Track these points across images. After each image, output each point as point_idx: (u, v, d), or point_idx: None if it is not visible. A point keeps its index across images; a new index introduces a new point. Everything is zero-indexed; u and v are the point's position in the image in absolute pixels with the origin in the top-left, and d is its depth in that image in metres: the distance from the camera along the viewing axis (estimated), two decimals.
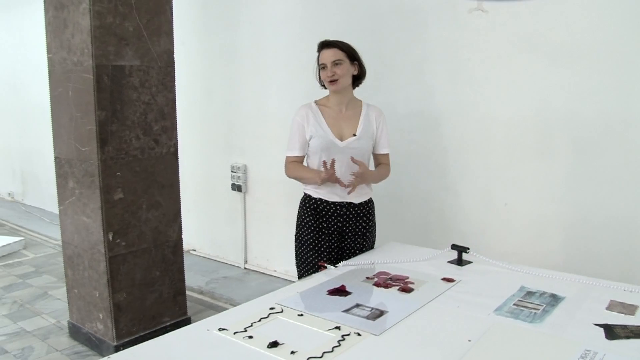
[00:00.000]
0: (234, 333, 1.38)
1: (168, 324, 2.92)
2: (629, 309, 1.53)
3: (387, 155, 2.36)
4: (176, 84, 2.89)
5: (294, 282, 1.88)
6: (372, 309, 1.55)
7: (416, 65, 3.00)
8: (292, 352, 1.28)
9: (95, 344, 2.79)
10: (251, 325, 1.43)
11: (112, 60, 2.55)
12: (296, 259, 2.34)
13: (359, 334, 1.38)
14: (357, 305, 1.58)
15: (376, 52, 3.06)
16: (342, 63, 2.19)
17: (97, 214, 2.61)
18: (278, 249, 3.90)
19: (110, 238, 2.62)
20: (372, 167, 2.37)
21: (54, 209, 5.20)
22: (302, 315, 1.51)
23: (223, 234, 4.33)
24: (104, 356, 2.20)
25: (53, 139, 2.85)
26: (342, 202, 2.24)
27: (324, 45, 2.22)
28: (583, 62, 2.45)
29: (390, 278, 1.83)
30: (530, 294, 1.67)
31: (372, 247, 2.37)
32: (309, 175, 2.21)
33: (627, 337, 1.35)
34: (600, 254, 2.49)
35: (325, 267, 1.99)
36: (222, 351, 1.31)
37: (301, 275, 2.30)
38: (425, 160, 3.03)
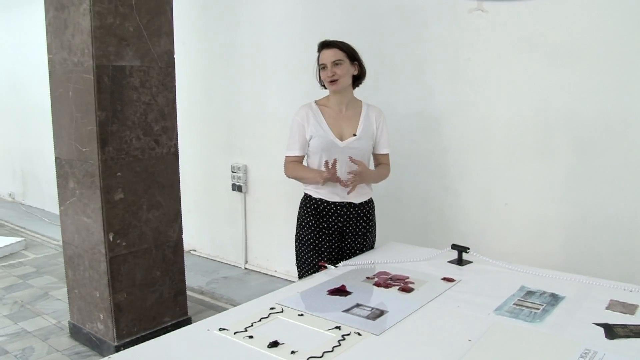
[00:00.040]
0: (235, 333, 1.39)
1: (169, 324, 2.92)
2: (628, 309, 1.53)
3: (387, 155, 2.36)
4: (176, 84, 2.90)
5: (295, 282, 1.88)
6: (373, 308, 1.55)
7: (416, 65, 3.00)
8: (293, 352, 1.28)
9: (96, 344, 2.79)
10: (251, 325, 1.43)
11: (112, 61, 2.56)
12: (296, 259, 2.34)
13: (359, 334, 1.38)
14: (358, 305, 1.58)
15: (376, 52, 3.06)
16: (342, 63, 2.19)
17: (97, 215, 2.61)
18: (278, 249, 3.90)
19: (111, 238, 2.63)
20: (372, 167, 2.38)
21: (55, 209, 5.21)
22: (302, 315, 1.51)
23: (223, 234, 4.33)
24: (104, 356, 2.20)
25: (53, 140, 2.85)
26: (343, 202, 2.24)
27: (324, 45, 2.23)
28: (583, 62, 2.45)
29: (390, 278, 1.83)
30: (530, 293, 1.67)
31: (372, 247, 2.37)
32: (310, 175, 2.21)
33: (627, 337, 1.35)
34: (600, 254, 2.49)
35: (326, 267, 1.99)
36: (223, 351, 1.31)
37: (302, 275, 2.30)
38: (425, 160, 3.03)
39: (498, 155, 2.77)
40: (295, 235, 2.33)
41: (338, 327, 1.42)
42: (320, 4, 3.41)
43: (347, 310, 1.54)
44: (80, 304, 2.86)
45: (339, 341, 1.33)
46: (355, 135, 2.23)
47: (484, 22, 2.71)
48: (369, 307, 1.57)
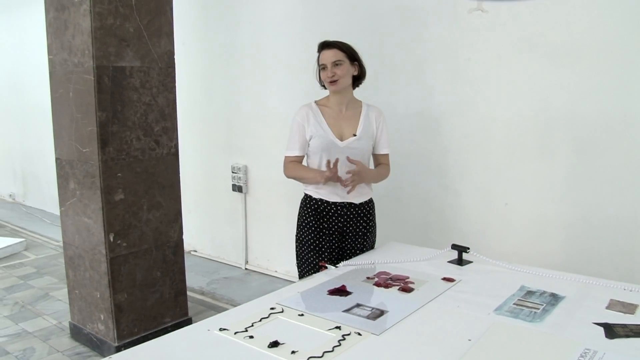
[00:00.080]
0: (235, 333, 1.39)
1: (169, 324, 2.92)
2: (628, 308, 1.53)
3: (386, 155, 2.36)
4: (177, 84, 2.90)
5: (295, 282, 1.89)
6: (373, 308, 1.55)
7: (416, 65, 3.01)
8: (293, 352, 1.28)
9: (97, 345, 2.80)
10: (252, 325, 1.43)
11: (112, 62, 2.56)
12: (297, 260, 2.34)
13: (359, 334, 1.38)
14: (358, 305, 1.58)
15: (376, 52, 3.06)
16: (342, 63, 2.19)
17: (98, 215, 2.61)
18: (279, 249, 3.90)
19: (111, 239, 2.63)
20: (372, 168, 2.38)
21: (55, 210, 5.22)
22: (302, 315, 1.51)
23: (224, 234, 4.33)
24: (105, 357, 2.21)
25: (54, 140, 2.85)
26: (343, 203, 2.24)
27: (324, 45, 2.23)
28: (583, 62, 2.46)
29: (390, 278, 1.83)
30: (530, 293, 1.67)
31: (372, 247, 2.38)
32: (310, 175, 2.22)
33: (627, 336, 1.35)
34: (600, 254, 2.49)
35: (326, 267, 1.99)
36: (223, 351, 1.32)
37: (302, 275, 2.30)
38: (425, 160, 3.03)
39: (498, 155, 2.77)
40: (296, 236, 2.34)
41: (338, 327, 1.42)
42: (320, 4, 3.41)
43: (347, 310, 1.54)
44: (81, 304, 2.87)
45: (339, 341, 1.34)
46: (355, 135, 2.24)
47: (484, 22, 2.71)
48: (369, 307, 1.57)
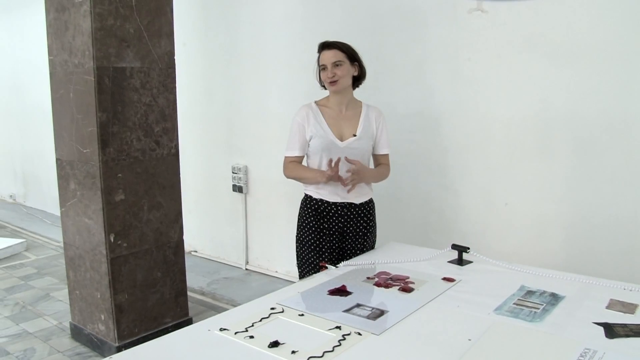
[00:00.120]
0: (235, 333, 1.39)
1: (170, 324, 2.92)
2: (628, 308, 1.53)
3: (386, 155, 2.36)
4: (177, 85, 2.90)
5: (295, 282, 1.89)
6: (373, 308, 1.56)
7: (416, 65, 3.01)
8: (293, 352, 1.28)
9: (97, 345, 2.80)
10: (252, 325, 1.44)
11: (113, 62, 2.56)
12: (297, 260, 2.34)
13: (359, 334, 1.38)
14: (358, 305, 1.58)
15: (376, 52, 3.07)
16: (343, 64, 2.19)
17: (98, 216, 2.62)
18: (279, 249, 3.91)
19: (112, 239, 2.63)
20: (372, 168, 2.38)
21: (56, 210, 5.21)
22: (302, 315, 1.51)
23: (224, 235, 4.33)
24: (105, 357, 2.21)
25: (54, 141, 2.86)
26: (343, 203, 2.25)
27: (324, 46, 2.23)
28: (583, 62, 2.46)
29: (390, 278, 1.83)
30: (530, 293, 1.68)
31: (372, 247, 2.38)
32: (310, 175, 2.22)
33: (627, 336, 1.35)
34: (600, 254, 2.49)
35: (326, 267, 1.99)
36: (223, 351, 1.32)
37: (302, 275, 2.30)
38: (425, 160, 3.03)
39: (498, 155, 2.77)
40: (296, 236, 2.34)
41: (338, 327, 1.42)
42: (320, 4, 3.41)
43: (347, 310, 1.54)
44: (82, 304, 2.87)
45: (339, 341, 1.34)
46: (355, 135, 2.24)
47: (484, 22, 2.71)
48: (370, 307, 1.57)
